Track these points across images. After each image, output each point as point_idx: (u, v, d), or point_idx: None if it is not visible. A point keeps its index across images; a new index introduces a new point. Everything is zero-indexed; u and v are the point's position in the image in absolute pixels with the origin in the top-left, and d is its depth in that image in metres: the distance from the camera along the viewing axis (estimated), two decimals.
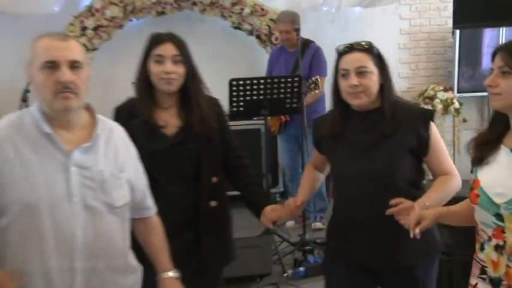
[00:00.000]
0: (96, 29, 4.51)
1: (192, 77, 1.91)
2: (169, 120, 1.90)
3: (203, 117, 1.91)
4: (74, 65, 1.48)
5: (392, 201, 1.62)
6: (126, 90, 4.24)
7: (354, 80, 1.77)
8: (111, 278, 1.61)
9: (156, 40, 1.89)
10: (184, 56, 1.90)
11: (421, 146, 1.74)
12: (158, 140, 1.87)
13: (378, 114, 1.80)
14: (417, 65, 5.60)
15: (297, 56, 3.73)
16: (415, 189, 1.75)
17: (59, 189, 1.51)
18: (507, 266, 1.45)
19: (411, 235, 1.53)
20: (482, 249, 1.52)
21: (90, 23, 4.50)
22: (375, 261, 1.80)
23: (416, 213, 1.57)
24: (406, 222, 1.56)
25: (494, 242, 1.48)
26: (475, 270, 1.57)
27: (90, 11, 4.52)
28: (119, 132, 1.67)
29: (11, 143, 1.46)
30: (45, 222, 1.50)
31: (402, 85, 5.33)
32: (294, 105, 3.41)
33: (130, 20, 4.72)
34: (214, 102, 2.06)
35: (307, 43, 3.94)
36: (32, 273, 1.51)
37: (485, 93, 1.96)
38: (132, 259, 1.68)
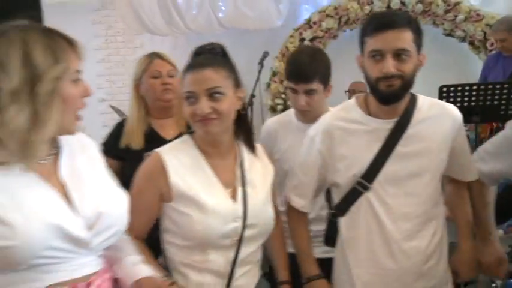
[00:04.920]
0: (312, 40, 4.84)
1: None
2: None
3: None
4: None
5: None
6: (337, 94, 4.54)
7: None
8: None
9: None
10: None
11: None
12: None
13: None
14: None
15: None
16: None
17: None
18: None
19: None
20: None
21: (307, 34, 4.85)
22: None
23: None
24: None
25: None
26: None
27: (309, 23, 4.87)
28: None
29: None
30: None
31: None
32: (510, 112, 3.27)
33: (344, 31, 4.95)
34: None
35: None
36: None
37: None
38: None
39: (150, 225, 1.51)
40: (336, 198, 1.66)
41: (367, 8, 4.73)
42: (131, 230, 1.38)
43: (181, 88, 1.46)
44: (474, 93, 3.29)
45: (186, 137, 1.54)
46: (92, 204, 1.23)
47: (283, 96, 4.93)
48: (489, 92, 3.30)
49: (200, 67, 1.43)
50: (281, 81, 4.92)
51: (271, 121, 2.16)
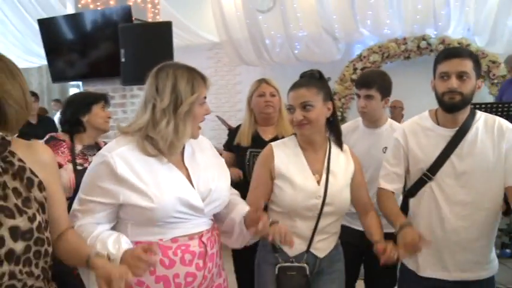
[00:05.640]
0: (363, 69, 6.09)
1: None
2: None
3: None
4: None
5: None
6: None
7: None
8: None
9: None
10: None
11: None
12: None
13: None
14: None
15: None
16: None
17: None
18: None
19: None
20: None
21: (359, 65, 6.16)
22: None
23: None
24: None
25: None
26: None
27: (360, 57, 6.16)
28: None
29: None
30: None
31: None
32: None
33: (386, 63, 6.12)
34: None
35: None
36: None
37: None
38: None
39: (265, 198, 1.72)
40: (408, 184, 1.85)
41: (402, 47, 5.91)
42: (250, 200, 1.66)
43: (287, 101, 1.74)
44: (483, 110, 3.07)
45: (292, 137, 1.82)
46: (205, 184, 1.46)
47: (340, 110, 6.24)
48: (493, 110, 3.65)
49: (297, 87, 1.70)
50: (339, 99, 6.24)
51: (344, 125, 2.34)
